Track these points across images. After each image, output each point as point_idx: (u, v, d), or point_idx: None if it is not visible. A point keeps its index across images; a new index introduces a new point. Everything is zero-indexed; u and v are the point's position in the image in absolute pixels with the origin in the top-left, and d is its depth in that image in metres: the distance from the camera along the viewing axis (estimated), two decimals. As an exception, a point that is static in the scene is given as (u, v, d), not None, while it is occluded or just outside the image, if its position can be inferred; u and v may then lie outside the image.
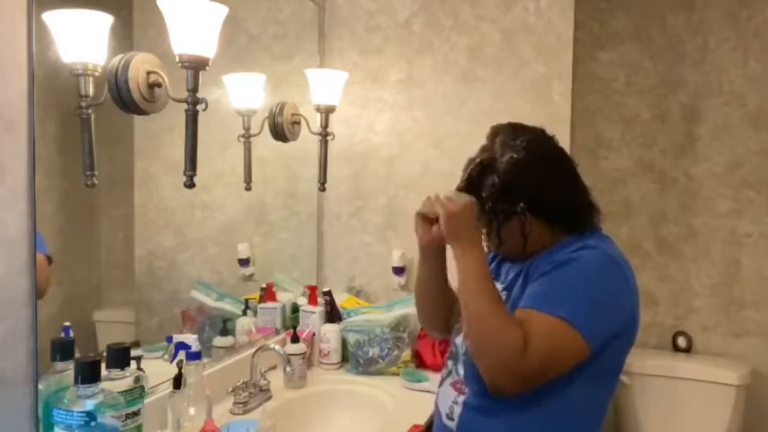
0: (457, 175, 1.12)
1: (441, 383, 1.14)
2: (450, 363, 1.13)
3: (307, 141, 1.80)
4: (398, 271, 1.96)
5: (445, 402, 1.09)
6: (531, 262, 1.05)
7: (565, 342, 0.92)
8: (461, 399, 1.05)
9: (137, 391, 0.99)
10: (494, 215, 1.04)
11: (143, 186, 1.40)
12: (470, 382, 1.04)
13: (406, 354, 1.77)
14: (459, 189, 1.09)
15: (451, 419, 1.06)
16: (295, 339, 1.68)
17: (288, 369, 1.55)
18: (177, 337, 1.34)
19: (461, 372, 1.07)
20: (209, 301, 1.61)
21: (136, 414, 0.96)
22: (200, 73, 1.11)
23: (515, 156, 1.03)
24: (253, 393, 1.48)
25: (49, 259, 1.05)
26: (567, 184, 1.07)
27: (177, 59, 1.10)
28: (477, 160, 1.08)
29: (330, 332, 1.80)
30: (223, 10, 1.10)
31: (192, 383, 1.22)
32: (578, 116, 1.94)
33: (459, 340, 1.10)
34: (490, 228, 1.06)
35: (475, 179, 1.07)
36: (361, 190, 2.03)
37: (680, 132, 2.32)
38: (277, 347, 1.56)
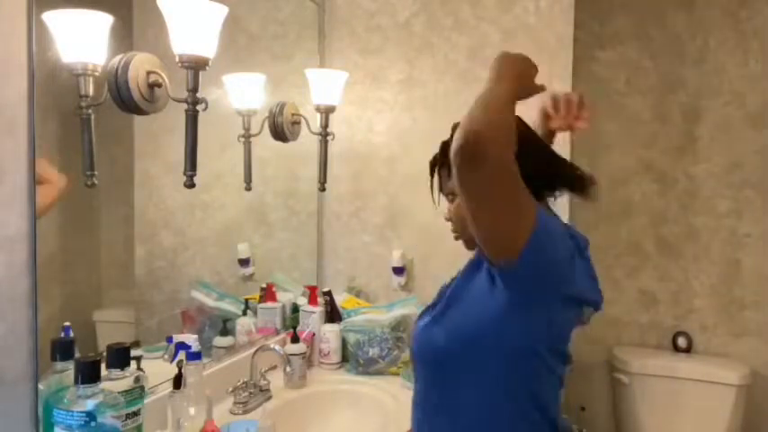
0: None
1: None
2: None
3: (307, 141, 1.80)
4: (398, 271, 1.96)
5: None
6: None
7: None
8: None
9: (137, 391, 1.00)
10: None
11: (143, 186, 1.40)
12: (415, 369, 1.07)
13: (406, 354, 1.77)
14: (435, 159, 1.07)
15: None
16: (295, 339, 1.68)
17: (288, 369, 1.56)
18: (177, 337, 1.34)
19: None
20: (209, 301, 1.61)
21: (136, 414, 0.96)
22: (201, 73, 1.11)
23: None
24: (253, 393, 1.48)
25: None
26: (541, 149, 1.02)
27: (177, 59, 1.10)
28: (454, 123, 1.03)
29: (330, 332, 1.80)
30: (223, 10, 1.10)
31: (192, 383, 1.22)
32: (578, 116, 1.94)
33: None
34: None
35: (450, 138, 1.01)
36: (361, 190, 2.03)
37: (680, 132, 2.32)
38: (277, 347, 1.56)
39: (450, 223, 1.09)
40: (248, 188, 1.69)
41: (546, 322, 0.94)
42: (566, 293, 0.94)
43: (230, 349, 1.60)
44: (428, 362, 1.03)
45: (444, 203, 1.10)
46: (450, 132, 1.02)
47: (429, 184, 1.09)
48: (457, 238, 1.09)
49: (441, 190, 1.09)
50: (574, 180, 1.01)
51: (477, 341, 0.94)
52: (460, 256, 1.85)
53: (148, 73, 1.12)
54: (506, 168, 0.82)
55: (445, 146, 1.03)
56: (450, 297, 1.00)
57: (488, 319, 0.93)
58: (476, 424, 0.97)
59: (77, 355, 1.03)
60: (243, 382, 1.48)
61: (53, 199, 1.07)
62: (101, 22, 1.06)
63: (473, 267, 1.00)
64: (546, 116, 1.11)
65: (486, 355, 0.94)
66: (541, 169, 0.97)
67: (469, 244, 1.07)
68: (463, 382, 0.97)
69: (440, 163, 1.07)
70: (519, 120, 1.01)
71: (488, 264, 0.91)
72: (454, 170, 0.82)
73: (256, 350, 1.54)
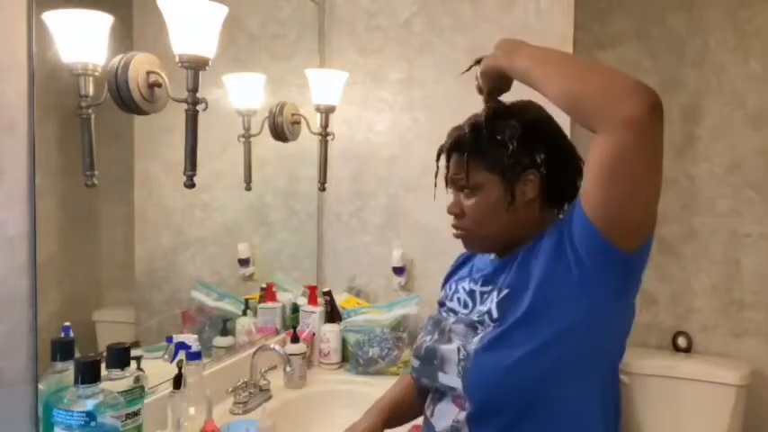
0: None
1: (428, 405, 0.98)
2: (425, 380, 0.96)
3: (307, 141, 1.80)
4: (398, 271, 1.96)
5: (443, 422, 0.92)
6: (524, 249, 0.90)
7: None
8: (463, 415, 0.89)
9: (137, 391, 1.00)
10: (507, 168, 0.89)
11: (143, 186, 1.40)
12: (471, 392, 0.87)
13: (406, 354, 1.77)
14: (462, 135, 0.95)
15: None
16: (295, 339, 1.68)
17: (288, 369, 1.56)
18: (177, 337, 1.34)
19: (458, 384, 0.88)
20: (209, 301, 1.61)
21: (136, 414, 0.96)
22: (201, 73, 1.11)
23: (534, 111, 0.94)
24: (253, 393, 1.48)
25: None
26: (575, 161, 0.95)
27: (177, 59, 1.09)
28: (487, 105, 0.95)
29: (330, 332, 1.80)
30: (223, 10, 1.10)
31: (191, 383, 1.22)
32: (578, 116, 1.94)
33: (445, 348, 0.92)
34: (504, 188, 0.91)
35: (484, 125, 0.92)
36: (361, 190, 2.03)
37: (680, 132, 2.32)
38: (277, 347, 1.56)
39: (454, 219, 0.97)
40: (248, 188, 1.69)
41: (630, 317, 0.90)
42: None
43: (230, 349, 1.60)
44: (516, 399, 0.84)
45: (441, 197, 0.99)
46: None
47: (436, 169, 0.99)
48: (458, 236, 0.97)
49: (454, 180, 0.96)
50: None
51: (577, 353, 0.83)
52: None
53: (148, 73, 1.12)
54: None
55: (477, 128, 0.94)
56: (525, 315, 0.83)
57: (585, 325, 0.82)
58: None
59: (77, 355, 1.03)
60: (243, 382, 1.48)
61: None
62: (101, 22, 1.06)
63: (546, 277, 0.84)
64: None
65: (586, 365, 0.84)
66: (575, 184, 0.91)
67: (478, 244, 0.97)
68: (563, 405, 0.85)
69: (470, 148, 0.93)
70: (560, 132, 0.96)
71: (608, 250, 0.78)
72: (632, 133, 0.73)
73: (256, 350, 1.54)
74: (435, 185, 0.97)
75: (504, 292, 0.89)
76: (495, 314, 0.88)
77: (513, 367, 0.82)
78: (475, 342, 0.87)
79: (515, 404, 0.85)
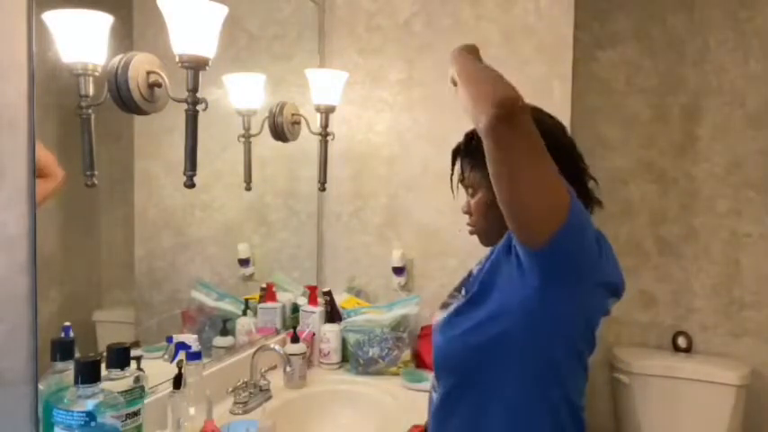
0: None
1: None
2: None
3: (307, 141, 1.80)
4: (398, 271, 1.96)
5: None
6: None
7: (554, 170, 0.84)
8: (434, 395, 1.05)
9: (137, 391, 1.00)
10: None
11: (143, 186, 1.40)
12: (435, 353, 1.03)
13: (406, 354, 1.77)
14: (458, 148, 1.07)
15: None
16: (295, 339, 1.68)
17: (288, 369, 1.56)
18: (177, 337, 1.34)
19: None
20: (209, 301, 1.61)
21: (136, 414, 0.96)
22: (201, 73, 1.11)
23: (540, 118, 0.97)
24: (253, 393, 1.48)
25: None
26: (578, 170, 1.02)
27: (177, 59, 1.10)
28: None
29: (330, 332, 1.80)
30: (223, 10, 1.10)
31: (191, 383, 1.22)
32: (578, 116, 1.94)
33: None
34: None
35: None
36: (361, 190, 2.03)
37: (680, 132, 2.32)
38: (277, 347, 1.56)
39: (467, 217, 1.08)
40: (248, 188, 1.69)
41: (580, 307, 0.93)
42: (597, 277, 0.93)
43: (230, 349, 1.60)
44: (457, 365, 1.00)
45: (462, 198, 1.08)
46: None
47: (449, 174, 1.09)
48: (472, 233, 1.07)
49: (461, 182, 1.07)
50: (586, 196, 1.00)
51: (512, 335, 0.92)
52: (461, 255, 1.87)
53: (148, 73, 1.12)
54: (535, 127, 0.82)
55: (469, 136, 1.03)
56: (474, 294, 0.97)
57: (521, 310, 0.90)
58: (509, 423, 0.95)
59: (77, 355, 1.03)
60: (243, 382, 1.48)
61: (52, 193, 1.06)
62: (101, 22, 1.06)
63: (495, 260, 0.96)
64: None
65: (523, 349, 0.92)
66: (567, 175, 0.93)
67: (485, 238, 1.06)
68: (498, 383, 0.95)
69: (463, 153, 1.05)
70: (559, 126, 1.02)
71: (521, 248, 0.87)
72: (490, 141, 0.81)
73: (256, 350, 1.54)
74: (451, 187, 1.09)
75: (474, 273, 1.04)
76: (463, 291, 1.04)
77: (460, 336, 0.97)
78: (447, 311, 1.03)
79: (461, 368, 0.99)
